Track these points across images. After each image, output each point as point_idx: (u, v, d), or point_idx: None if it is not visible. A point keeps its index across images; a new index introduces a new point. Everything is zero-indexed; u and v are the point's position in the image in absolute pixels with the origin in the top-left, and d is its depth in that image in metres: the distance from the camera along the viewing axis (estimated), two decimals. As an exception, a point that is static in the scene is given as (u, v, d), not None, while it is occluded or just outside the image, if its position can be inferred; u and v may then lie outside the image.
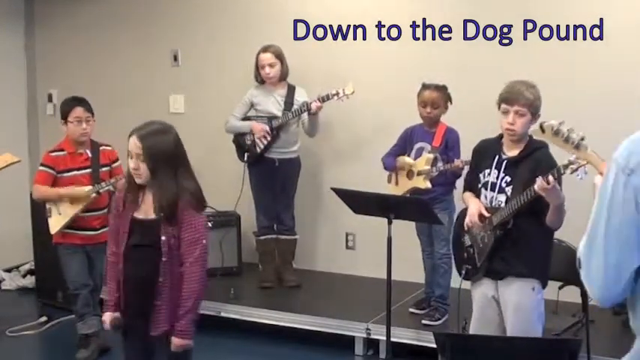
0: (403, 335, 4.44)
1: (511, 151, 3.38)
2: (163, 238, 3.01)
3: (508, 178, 3.34)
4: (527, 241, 3.33)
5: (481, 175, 3.47)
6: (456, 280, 4.45)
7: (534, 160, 3.29)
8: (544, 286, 3.42)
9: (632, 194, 1.65)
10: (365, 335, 4.62)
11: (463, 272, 3.55)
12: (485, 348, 2.90)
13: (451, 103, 4.54)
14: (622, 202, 1.67)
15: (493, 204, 3.39)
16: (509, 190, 3.33)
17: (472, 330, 3.55)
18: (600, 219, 1.71)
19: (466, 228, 3.48)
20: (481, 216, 3.40)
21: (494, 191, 3.39)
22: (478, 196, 3.48)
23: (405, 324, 4.53)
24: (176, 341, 3.03)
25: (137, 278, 3.07)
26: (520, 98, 3.28)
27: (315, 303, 5.06)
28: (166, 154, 3.02)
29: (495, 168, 3.39)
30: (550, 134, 2.39)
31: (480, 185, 3.47)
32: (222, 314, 4.93)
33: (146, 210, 3.09)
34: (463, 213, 3.63)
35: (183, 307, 3.01)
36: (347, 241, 5.71)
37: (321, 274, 5.74)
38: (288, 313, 4.85)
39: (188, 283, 3.02)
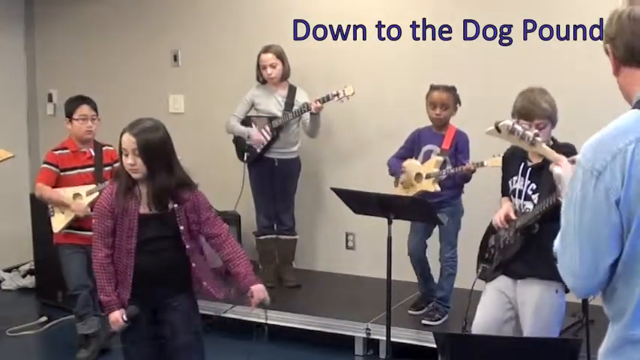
0: (403, 335, 4.44)
1: (536, 158, 3.35)
2: (182, 227, 3.16)
3: (534, 186, 3.34)
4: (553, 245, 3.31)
5: (510, 182, 3.47)
6: (462, 281, 4.46)
7: None
8: (567, 290, 3.41)
9: (602, 194, 1.69)
10: (365, 335, 4.62)
11: (480, 270, 3.56)
12: (485, 348, 2.90)
13: (460, 104, 4.53)
14: (592, 202, 1.70)
15: (522, 211, 3.39)
16: (535, 197, 3.32)
17: (475, 323, 3.52)
18: (571, 218, 1.77)
19: (496, 228, 3.47)
20: (508, 217, 3.40)
21: (521, 199, 3.39)
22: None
23: (405, 324, 4.53)
24: (259, 287, 3.29)
25: (154, 270, 3.15)
26: (539, 112, 3.26)
27: (315, 303, 5.06)
28: (160, 148, 3.14)
29: (522, 175, 3.38)
30: (506, 133, 2.43)
31: (510, 192, 3.48)
32: (222, 314, 4.92)
33: (145, 205, 3.16)
34: None
35: (247, 264, 3.29)
36: (347, 241, 5.71)
37: (321, 274, 5.74)
38: (288, 313, 4.86)
39: (237, 245, 3.32)
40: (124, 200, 3.14)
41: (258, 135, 5.11)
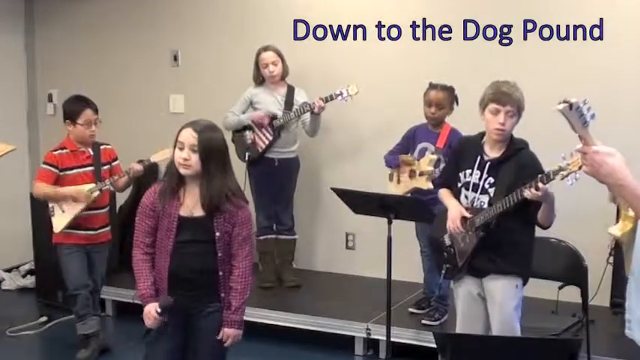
0: (403, 335, 4.44)
1: (493, 152, 3.37)
2: (217, 234, 3.09)
3: (491, 180, 3.34)
4: (511, 240, 3.34)
5: (461, 175, 3.45)
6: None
7: (518, 162, 3.30)
8: (525, 282, 3.45)
9: None
10: (365, 335, 4.62)
11: (443, 272, 3.56)
12: (484, 348, 2.90)
13: (457, 104, 4.54)
14: None
15: (475, 204, 3.38)
16: (492, 191, 3.33)
17: (458, 328, 3.55)
18: None
19: (448, 232, 3.47)
20: (463, 218, 3.40)
21: (476, 192, 3.38)
22: (457, 194, 3.47)
23: (405, 324, 4.53)
24: (231, 332, 3.15)
25: (187, 273, 3.08)
26: (512, 99, 3.27)
27: (315, 303, 5.06)
28: (219, 150, 3.10)
29: (478, 169, 3.38)
30: (574, 110, 2.34)
31: (460, 185, 3.46)
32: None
33: (190, 206, 3.10)
34: (442, 214, 3.60)
35: (238, 300, 3.14)
36: (347, 241, 5.71)
37: (321, 274, 5.74)
38: (288, 313, 4.85)
39: (243, 277, 3.14)
40: (166, 200, 3.09)
41: (259, 113, 5.10)
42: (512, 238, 3.34)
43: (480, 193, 3.37)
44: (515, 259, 3.36)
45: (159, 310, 3.02)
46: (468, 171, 3.41)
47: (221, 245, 3.11)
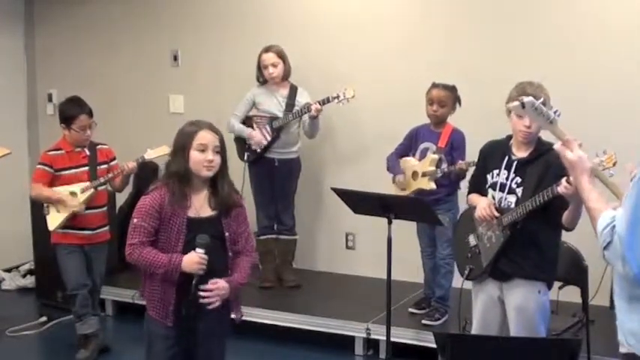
0: (403, 335, 4.44)
1: (520, 152, 3.36)
2: (227, 234, 3.11)
3: (519, 179, 3.33)
4: (535, 242, 3.32)
5: (489, 176, 3.45)
6: (457, 280, 4.46)
7: (545, 161, 3.27)
8: (550, 287, 3.42)
9: None
10: (365, 335, 4.62)
11: (466, 272, 3.52)
12: (485, 348, 2.89)
13: (460, 104, 4.54)
14: None
15: (502, 205, 3.37)
16: (519, 191, 3.32)
17: (474, 331, 3.54)
18: None
19: (483, 220, 3.41)
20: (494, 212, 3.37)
21: (503, 192, 3.37)
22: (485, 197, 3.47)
23: (405, 324, 4.53)
24: (223, 284, 3.07)
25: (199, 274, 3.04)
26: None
27: (315, 303, 5.06)
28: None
29: (505, 169, 3.37)
30: (530, 110, 2.42)
31: (487, 186, 3.45)
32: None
33: (197, 207, 3.09)
34: (465, 214, 3.61)
35: (241, 279, 3.16)
36: (347, 241, 5.71)
37: (321, 274, 5.74)
38: (288, 313, 4.85)
39: (246, 270, 3.18)
40: (177, 204, 3.04)
41: (258, 136, 5.12)
42: (536, 240, 3.31)
43: (508, 193, 3.35)
44: (539, 263, 3.33)
45: (200, 250, 2.97)
46: (495, 171, 3.41)
47: (230, 244, 3.13)
